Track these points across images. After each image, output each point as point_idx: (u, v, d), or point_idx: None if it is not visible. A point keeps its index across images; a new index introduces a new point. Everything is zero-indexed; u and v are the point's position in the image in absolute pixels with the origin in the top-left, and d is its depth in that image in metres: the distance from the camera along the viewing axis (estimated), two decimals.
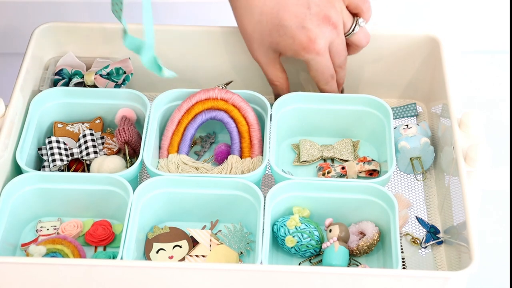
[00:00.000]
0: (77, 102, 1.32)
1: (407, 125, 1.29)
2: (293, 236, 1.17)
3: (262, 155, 1.26)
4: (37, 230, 1.21)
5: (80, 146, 1.27)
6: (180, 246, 1.19)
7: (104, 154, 1.28)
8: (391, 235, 1.14)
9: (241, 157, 1.26)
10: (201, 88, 1.29)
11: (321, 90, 1.31)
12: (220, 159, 1.29)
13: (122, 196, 1.19)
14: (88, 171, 1.26)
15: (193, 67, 1.38)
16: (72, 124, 1.32)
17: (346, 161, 1.29)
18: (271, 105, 1.30)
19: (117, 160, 1.24)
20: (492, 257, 1.48)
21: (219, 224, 1.22)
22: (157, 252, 1.18)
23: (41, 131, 1.31)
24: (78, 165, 1.27)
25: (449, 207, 1.20)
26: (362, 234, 1.19)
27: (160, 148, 1.28)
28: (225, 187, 1.19)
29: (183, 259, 1.18)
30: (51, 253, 1.15)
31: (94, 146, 1.26)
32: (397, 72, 1.38)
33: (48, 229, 1.21)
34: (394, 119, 1.37)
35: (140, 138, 1.28)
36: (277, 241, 1.19)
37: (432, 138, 1.31)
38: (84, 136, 1.27)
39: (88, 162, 1.26)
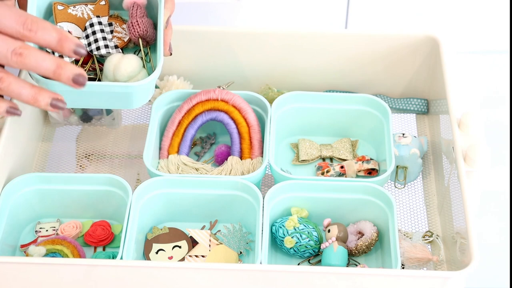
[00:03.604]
0: None
1: (403, 134, 1.29)
2: (292, 237, 1.17)
3: (262, 156, 1.26)
4: (36, 231, 1.21)
5: (87, 37, 1.17)
6: (180, 247, 1.19)
7: (115, 46, 1.17)
8: (390, 235, 1.14)
9: (241, 158, 1.26)
10: (201, 89, 1.29)
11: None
12: (220, 160, 1.29)
13: (122, 197, 1.19)
14: (101, 70, 1.16)
15: (194, 68, 1.38)
16: (74, 6, 1.20)
17: (345, 160, 1.29)
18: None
19: (134, 61, 1.14)
20: (492, 257, 1.48)
21: (218, 224, 1.22)
22: (157, 252, 1.18)
23: (40, 14, 1.18)
24: (86, 57, 1.17)
25: (449, 207, 1.20)
26: (361, 233, 1.19)
27: (160, 148, 1.28)
28: (224, 187, 1.19)
29: (182, 259, 1.17)
30: (50, 254, 1.15)
31: (104, 38, 1.16)
32: (397, 72, 1.38)
33: (47, 230, 1.21)
34: (397, 108, 1.37)
35: (154, 27, 1.17)
36: (275, 242, 1.19)
37: (431, 145, 1.31)
38: (92, 25, 1.17)
39: (97, 56, 1.16)
